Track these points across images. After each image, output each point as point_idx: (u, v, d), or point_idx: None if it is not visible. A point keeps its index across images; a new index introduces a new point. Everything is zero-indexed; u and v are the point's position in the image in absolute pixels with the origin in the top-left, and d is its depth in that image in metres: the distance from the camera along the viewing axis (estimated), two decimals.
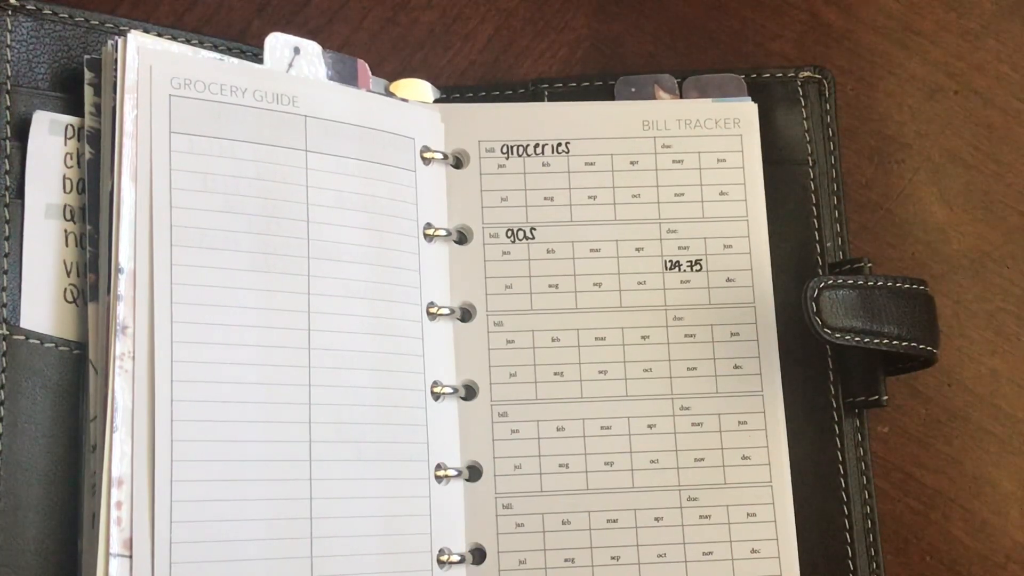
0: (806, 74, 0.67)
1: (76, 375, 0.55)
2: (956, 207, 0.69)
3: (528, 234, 0.62)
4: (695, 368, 0.61)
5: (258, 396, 0.55)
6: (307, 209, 0.58)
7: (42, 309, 0.55)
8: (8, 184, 0.56)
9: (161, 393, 0.53)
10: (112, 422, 0.52)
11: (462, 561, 0.59)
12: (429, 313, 0.60)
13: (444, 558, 0.58)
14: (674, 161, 0.64)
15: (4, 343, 0.54)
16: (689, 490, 0.60)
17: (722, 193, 0.63)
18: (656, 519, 0.60)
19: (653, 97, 0.65)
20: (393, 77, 0.65)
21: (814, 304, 0.59)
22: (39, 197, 0.56)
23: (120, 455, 0.52)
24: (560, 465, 0.60)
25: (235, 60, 0.59)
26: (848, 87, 0.70)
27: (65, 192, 0.56)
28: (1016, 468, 0.66)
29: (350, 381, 0.57)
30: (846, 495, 0.62)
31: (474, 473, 0.60)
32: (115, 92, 0.56)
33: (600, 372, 0.61)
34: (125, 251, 0.54)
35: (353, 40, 0.69)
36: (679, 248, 0.63)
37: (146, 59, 0.56)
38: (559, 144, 0.63)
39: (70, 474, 0.54)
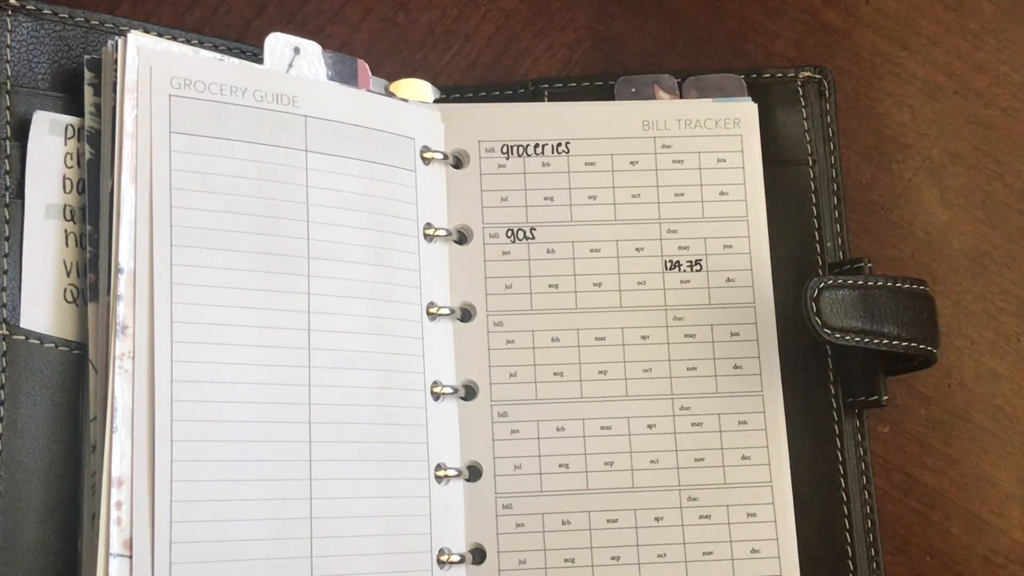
0: (806, 74, 0.67)
1: (76, 375, 0.55)
2: (956, 207, 0.69)
3: (528, 234, 0.62)
4: (695, 368, 0.61)
5: (258, 396, 0.55)
6: (307, 209, 0.58)
7: (42, 309, 0.55)
8: (8, 184, 0.56)
9: (161, 393, 0.53)
10: (112, 422, 0.52)
11: (462, 561, 0.59)
12: (429, 313, 0.60)
13: (444, 558, 0.58)
14: (674, 161, 0.64)
15: (4, 343, 0.54)
16: (689, 490, 0.60)
17: (722, 193, 0.63)
18: (656, 519, 0.60)
19: (653, 97, 0.65)
20: (393, 77, 0.65)
21: (814, 304, 0.59)
22: (39, 197, 0.56)
23: (120, 455, 0.52)
24: (560, 465, 0.60)
25: (235, 60, 0.59)
26: (848, 87, 0.70)
27: (65, 192, 0.56)
28: (1016, 468, 0.66)
29: (350, 381, 0.57)
30: (846, 495, 0.62)
31: (474, 473, 0.60)
32: (115, 92, 0.56)
33: (600, 372, 0.61)
34: (125, 251, 0.54)
35: (353, 40, 0.69)
36: (679, 248, 0.63)
37: (146, 59, 0.56)
38: (559, 144, 0.63)
39: (70, 474, 0.54)
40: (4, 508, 0.53)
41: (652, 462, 0.60)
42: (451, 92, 0.66)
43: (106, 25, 0.60)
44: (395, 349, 0.59)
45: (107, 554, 0.51)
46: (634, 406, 0.61)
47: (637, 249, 0.63)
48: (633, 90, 0.65)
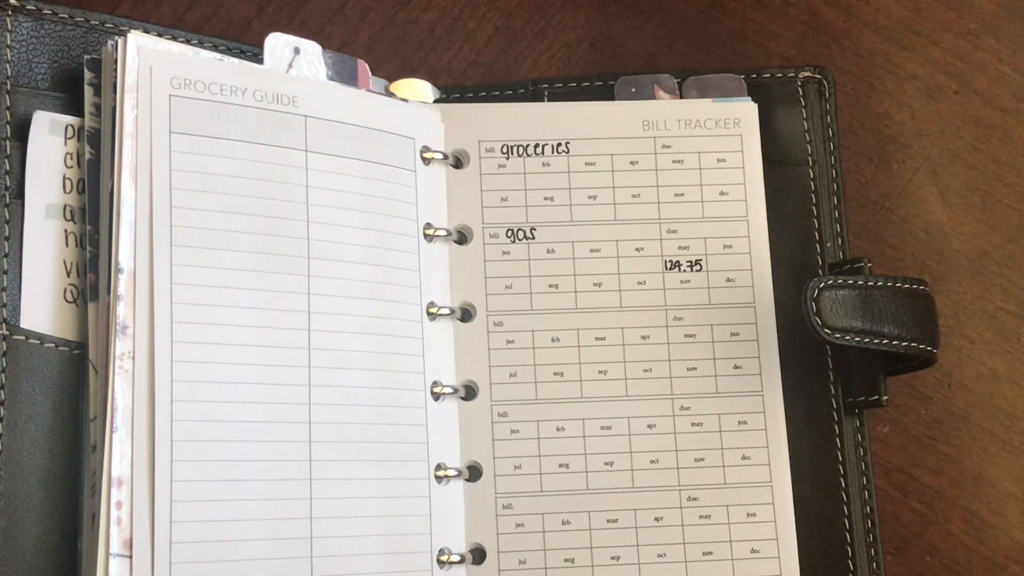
0: (806, 74, 0.67)
1: (76, 375, 0.55)
2: (956, 207, 0.69)
3: (528, 234, 0.62)
4: (695, 368, 0.61)
5: (258, 396, 0.55)
6: (307, 209, 0.58)
7: (42, 309, 0.55)
8: (8, 184, 0.56)
9: (161, 393, 0.53)
10: (112, 422, 0.52)
11: (462, 561, 0.59)
12: (429, 313, 0.60)
13: (444, 558, 0.58)
14: (674, 161, 0.64)
15: (4, 343, 0.54)
16: (689, 490, 0.60)
17: (722, 193, 0.63)
18: (656, 519, 0.60)
19: (653, 97, 0.65)
20: (393, 77, 0.65)
21: (814, 304, 0.59)
22: (39, 197, 0.56)
23: (120, 455, 0.52)
24: (560, 465, 0.60)
25: (235, 60, 0.59)
26: (848, 87, 0.70)
27: (65, 192, 0.56)
28: (1016, 468, 0.66)
29: (350, 381, 0.57)
30: (846, 495, 0.62)
31: (474, 473, 0.60)
32: (115, 92, 0.56)
33: (600, 372, 0.61)
34: (125, 251, 0.54)
35: (353, 40, 0.69)
36: (679, 248, 0.63)
37: (146, 59, 0.56)
38: (559, 144, 0.63)
39: (70, 474, 0.54)
40: (4, 508, 0.53)
41: (652, 462, 0.60)
42: (451, 92, 0.66)
43: (106, 25, 0.60)
44: (395, 349, 0.59)
45: (107, 554, 0.51)
46: (634, 406, 0.61)
47: (637, 249, 0.63)
48: (633, 90, 0.65)
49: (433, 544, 0.58)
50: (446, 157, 0.63)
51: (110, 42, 0.57)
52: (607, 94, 0.66)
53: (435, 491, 0.59)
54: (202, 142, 0.56)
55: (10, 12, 0.58)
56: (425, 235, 0.61)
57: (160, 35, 0.59)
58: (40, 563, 0.53)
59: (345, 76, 0.62)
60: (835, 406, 0.63)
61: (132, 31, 0.57)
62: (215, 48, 0.61)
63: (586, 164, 0.63)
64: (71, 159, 0.57)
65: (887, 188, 0.69)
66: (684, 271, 0.62)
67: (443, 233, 0.62)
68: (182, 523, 0.53)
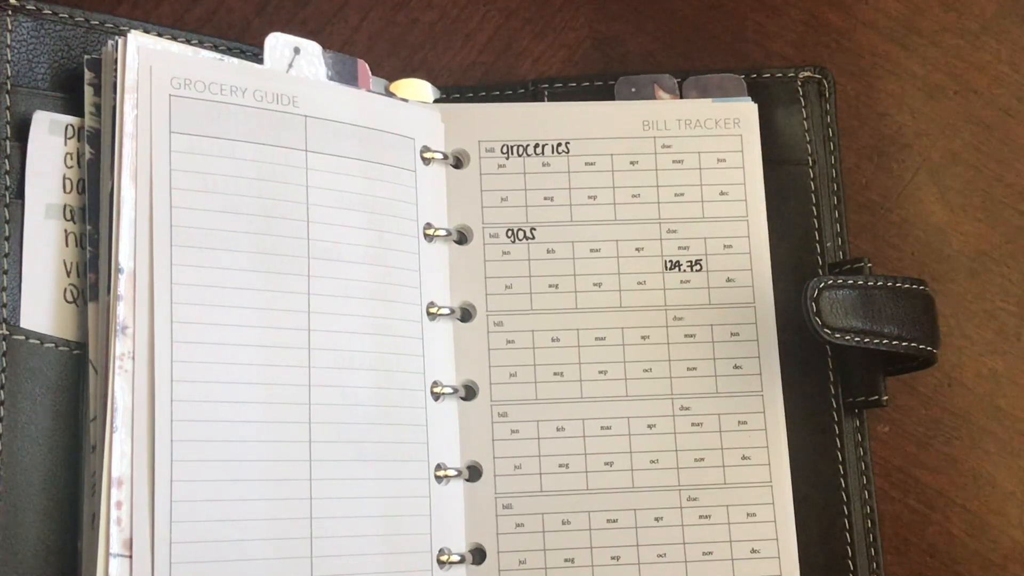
0: (806, 74, 0.67)
1: (76, 375, 0.55)
2: (956, 207, 0.69)
3: (528, 234, 0.62)
4: (695, 368, 0.61)
5: (258, 396, 0.55)
6: (307, 209, 0.58)
7: (42, 309, 0.55)
8: (8, 184, 0.56)
9: (161, 393, 0.53)
10: (112, 422, 0.52)
11: (462, 561, 0.59)
12: (429, 313, 0.60)
13: (444, 558, 0.58)
14: (674, 161, 0.64)
15: (4, 343, 0.54)
16: (689, 490, 0.60)
17: (722, 193, 0.63)
18: (656, 519, 0.60)
19: (653, 97, 0.65)
20: (393, 77, 0.65)
21: (814, 304, 0.59)
22: (39, 197, 0.56)
23: (120, 455, 0.52)
24: (560, 465, 0.60)
25: (235, 60, 0.59)
26: (848, 87, 0.70)
27: (65, 192, 0.56)
28: (1016, 468, 0.66)
29: (350, 381, 0.57)
30: (846, 495, 0.62)
31: (474, 473, 0.60)
32: (115, 92, 0.56)
33: (600, 372, 0.61)
34: (125, 251, 0.54)
35: (353, 40, 0.69)
36: (679, 248, 0.63)
37: (146, 59, 0.56)
38: (559, 144, 0.63)
39: (70, 474, 0.54)
40: (4, 508, 0.53)
41: (652, 462, 0.60)
42: (451, 92, 0.66)
43: (106, 25, 0.60)
44: (395, 349, 0.59)
45: (107, 554, 0.51)
46: (634, 406, 0.61)
47: (637, 249, 0.63)
48: (633, 90, 0.65)
49: (433, 544, 0.58)
50: (446, 157, 0.63)
51: (110, 42, 0.57)
52: (607, 94, 0.66)
53: (435, 491, 0.59)
54: (202, 142, 0.56)
55: (10, 12, 0.58)
56: (425, 235, 0.61)
57: (160, 35, 0.59)
58: (40, 563, 0.53)
59: (345, 76, 0.62)
60: (835, 406, 0.63)
61: (132, 31, 0.57)
62: (215, 48, 0.61)
63: (586, 164, 0.63)
64: (71, 159, 0.57)
65: (887, 188, 0.69)
66: (684, 271, 0.62)
67: (443, 233, 0.62)
68: (182, 523, 0.53)
